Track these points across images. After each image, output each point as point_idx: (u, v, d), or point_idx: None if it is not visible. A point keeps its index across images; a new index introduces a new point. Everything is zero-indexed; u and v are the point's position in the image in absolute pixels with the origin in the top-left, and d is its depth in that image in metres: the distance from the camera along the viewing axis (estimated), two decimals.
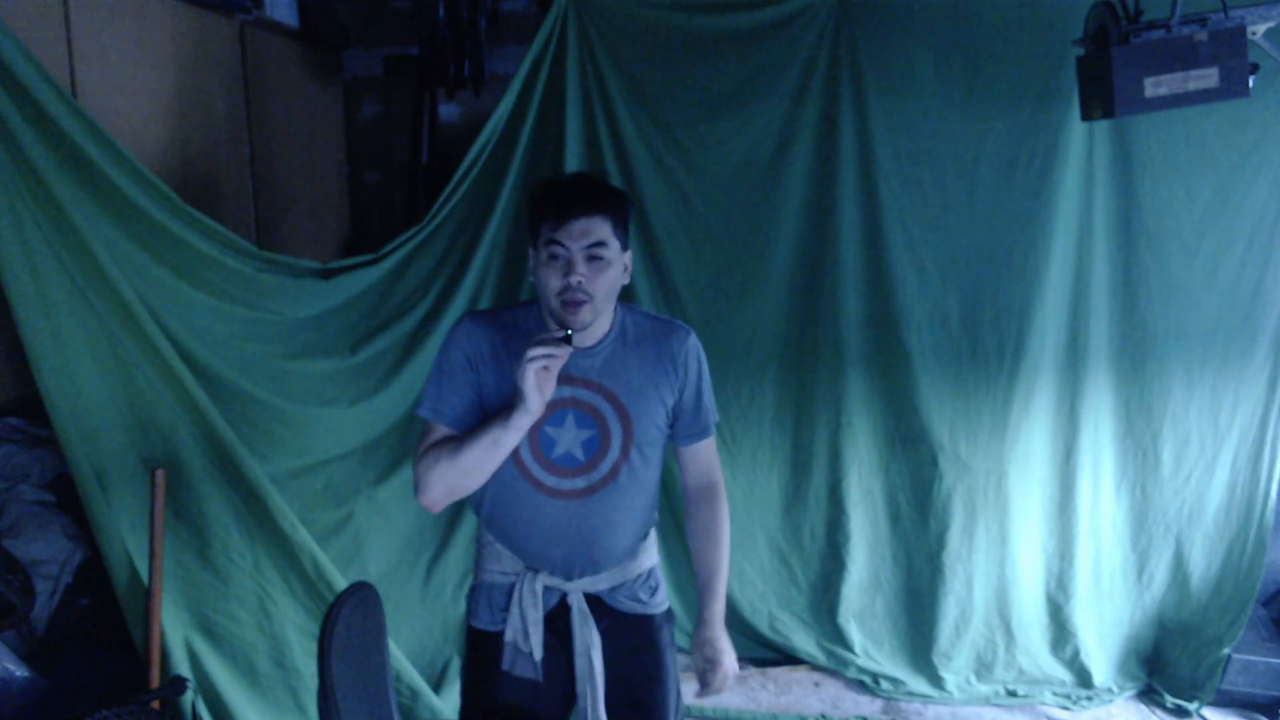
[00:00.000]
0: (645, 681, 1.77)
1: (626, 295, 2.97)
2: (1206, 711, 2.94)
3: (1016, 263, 2.90)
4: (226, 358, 2.28)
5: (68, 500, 2.37)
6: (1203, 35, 2.16)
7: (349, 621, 1.50)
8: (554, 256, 1.56)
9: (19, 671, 2.09)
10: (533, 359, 1.47)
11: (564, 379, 1.59)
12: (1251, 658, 2.90)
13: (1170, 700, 2.98)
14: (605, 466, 1.66)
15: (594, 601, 1.73)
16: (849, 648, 3.12)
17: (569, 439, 1.65)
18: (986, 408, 2.98)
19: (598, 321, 1.63)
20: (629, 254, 1.66)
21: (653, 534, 1.81)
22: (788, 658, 3.20)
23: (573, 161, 2.86)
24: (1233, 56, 2.16)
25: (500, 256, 2.87)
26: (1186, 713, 2.94)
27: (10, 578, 2.08)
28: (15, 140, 1.84)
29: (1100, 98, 2.27)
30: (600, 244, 1.56)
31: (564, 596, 1.71)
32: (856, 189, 2.92)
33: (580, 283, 1.55)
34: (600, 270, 1.57)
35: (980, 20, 2.77)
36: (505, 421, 1.52)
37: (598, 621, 1.71)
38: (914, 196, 2.90)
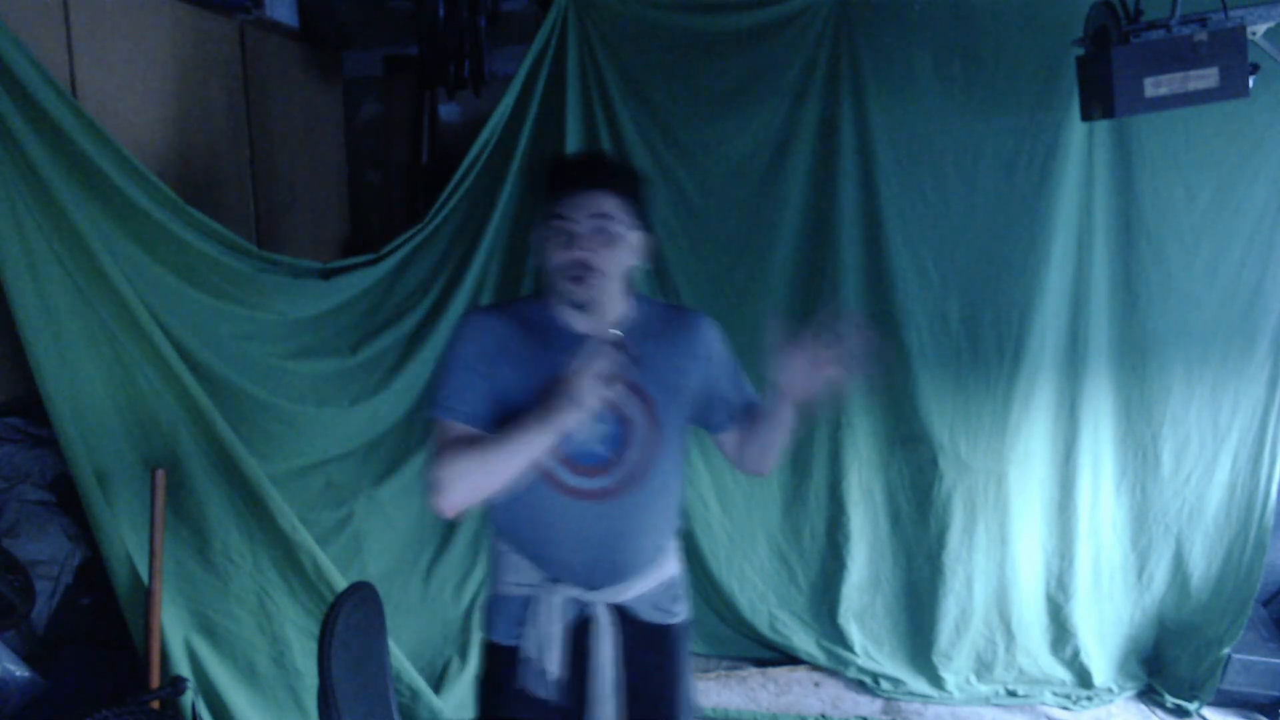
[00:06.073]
0: (662, 696, 1.68)
1: None
2: (1206, 711, 2.93)
3: (1016, 263, 2.89)
4: (226, 358, 2.28)
5: (68, 500, 2.37)
6: (1203, 35, 2.16)
7: (349, 621, 1.51)
8: (558, 230, 1.48)
9: (19, 671, 2.09)
10: (592, 366, 1.36)
11: None
12: (1251, 658, 2.90)
13: (1170, 700, 2.97)
14: (631, 462, 1.56)
15: (616, 612, 1.62)
16: (849, 648, 3.12)
17: (586, 433, 1.51)
18: (986, 408, 2.98)
19: (609, 304, 1.54)
20: (645, 236, 1.55)
21: (675, 539, 1.72)
22: (788, 658, 3.20)
23: None
24: (1233, 56, 2.17)
25: (500, 256, 2.88)
26: (1186, 713, 2.94)
27: (10, 578, 2.08)
28: (15, 140, 1.84)
29: (1100, 98, 2.27)
30: (605, 215, 1.47)
31: (584, 608, 1.61)
32: (856, 189, 2.91)
33: (585, 257, 1.46)
34: (607, 244, 1.48)
35: (980, 21, 2.77)
36: (543, 422, 1.40)
37: (617, 634, 1.62)
38: (914, 196, 2.90)
